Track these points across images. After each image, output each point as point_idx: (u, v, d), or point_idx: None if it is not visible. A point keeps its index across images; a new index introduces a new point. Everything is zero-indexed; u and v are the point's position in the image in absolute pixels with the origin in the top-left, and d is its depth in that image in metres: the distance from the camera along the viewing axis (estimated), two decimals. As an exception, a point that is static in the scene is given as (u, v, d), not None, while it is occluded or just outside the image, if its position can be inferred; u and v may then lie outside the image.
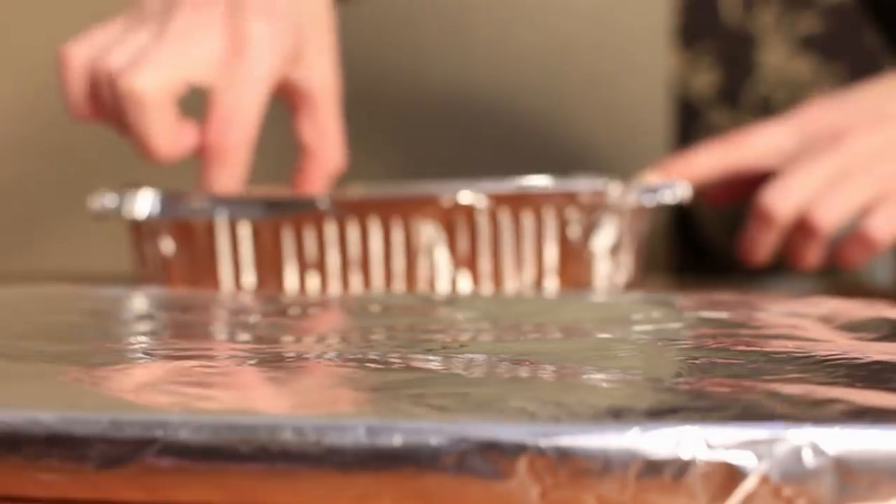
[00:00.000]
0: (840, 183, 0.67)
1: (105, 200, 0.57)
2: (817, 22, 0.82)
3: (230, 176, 0.59)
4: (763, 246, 0.69)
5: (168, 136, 0.58)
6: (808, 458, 0.24)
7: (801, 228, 0.68)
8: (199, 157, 0.60)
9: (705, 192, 0.73)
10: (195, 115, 0.60)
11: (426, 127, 0.95)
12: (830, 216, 0.67)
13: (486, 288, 0.55)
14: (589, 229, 0.56)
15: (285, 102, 0.64)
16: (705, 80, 0.83)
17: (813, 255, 0.69)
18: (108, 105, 0.59)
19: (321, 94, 0.62)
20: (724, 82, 0.83)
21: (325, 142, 0.63)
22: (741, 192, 0.72)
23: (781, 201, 0.67)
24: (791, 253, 0.69)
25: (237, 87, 0.58)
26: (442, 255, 0.54)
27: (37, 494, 0.26)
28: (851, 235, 0.69)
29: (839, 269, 0.81)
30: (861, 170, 0.67)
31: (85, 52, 0.60)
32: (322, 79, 0.63)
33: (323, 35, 0.63)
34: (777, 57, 0.82)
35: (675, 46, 0.84)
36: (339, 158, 0.64)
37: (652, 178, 0.68)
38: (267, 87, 0.59)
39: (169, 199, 0.56)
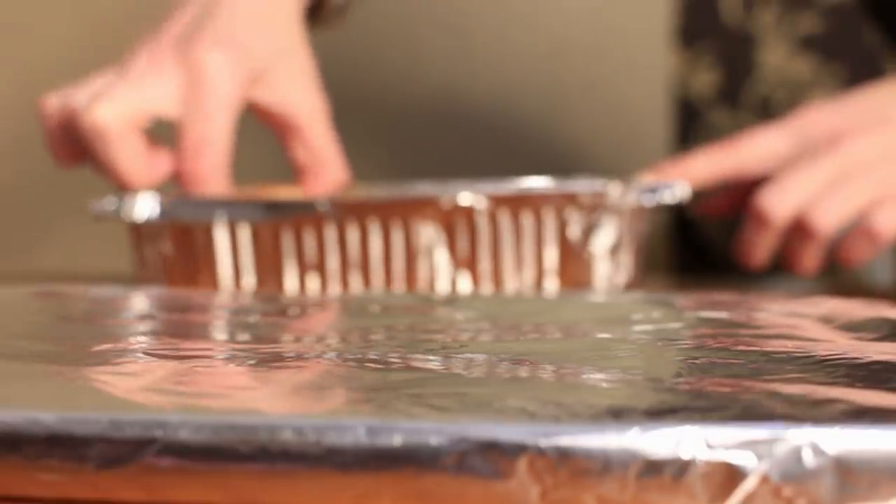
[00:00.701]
0: (839, 185, 0.67)
1: (105, 203, 0.57)
2: (817, 22, 0.82)
3: None
4: (760, 249, 0.68)
5: (137, 165, 0.59)
6: (808, 458, 0.24)
7: (799, 231, 0.67)
8: (164, 133, 0.61)
9: (703, 203, 0.73)
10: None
11: (427, 129, 0.95)
12: (828, 219, 0.67)
13: (486, 289, 0.55)
14: (589, 230, 0.56)
15: (272, 130, 0.64)
16: (705, 80, 0.83)
17: (810, 259, 0.68)
18: (82, 148, 0.60)
19: (305, 117, 0.63)
20: (724, 82, 0.83)
21: (321, 161, 0.63)
22: (739, 201, 0.72)
23: (778, 203, 0.67)
24: (788, 256, 0.69)
25: (201, 114, 0.59)
26: (442, 257, 0.54)
27: (37, 494, 0.26)
28: (856, 232, 0.68)
29: (840, 268, 0.81)
30: (860, 173, 0.67)
31: (58, 100, 0.62)
32: (302, 102, 0.63)
33: (296, 59, 0.63)
34: (777, 57, 0.82)
35: (675, 46, 0.84)
36: (340, 173, 0.64)
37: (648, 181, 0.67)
38: (231, 110, 0.60)
39: (168, 202, 0.56)
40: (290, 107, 0.63)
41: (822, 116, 0.69)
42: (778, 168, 0.69)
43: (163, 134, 0.61)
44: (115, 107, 0.58)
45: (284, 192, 0.62)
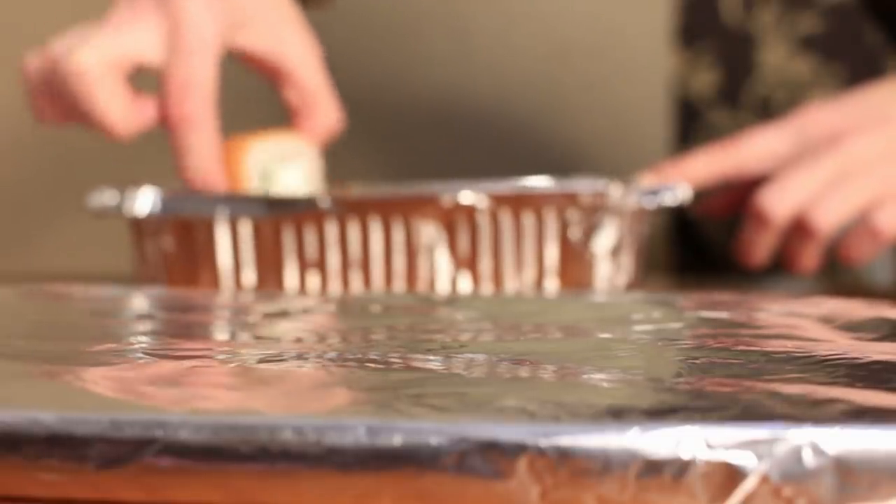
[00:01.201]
0: (839, 184, 0.67)
1: (105, 198, 0.57)
2: (817, 22, 0.82)
3: (200, 143, 0.60)
4: (760, 248, 0.68)
5: (121, 109, 0.59)
6: (808, 458, 0.24)
7: (799, 230, 0.67)
8: (163, 130, 0.61)
9: (703, 203, 0.73)
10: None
11: (427, 129, 0.95)
12: (829, 218, 0.67)
13: (487, 288, 0.55)
14: (590, 230, 0.56)
15: (262, 76, 0.65)
16: (705, 80, 0.83)
17: (810, 258, 0.68)
18: (65, 100, 0.60)
19: (295, 60, 0.64)
20: (724, 82, 0.83)
21: (314, 103, 0.64)
22: (739, 201, 0.72)
23: (779, 202, 0.67)
24: (788, 255, 0.69)
25: (184, 57, 0.60)
26: (442, 256, 0.54)
27: (37, 494, 0.26)
28: (857, 231, 0.68)
29: (840, 268, 0.81)
30: (861, 172, 0.67)
31: (37, 57, 0.62)
32: (291, 46, 0.64)
33: (282, 10, 0.64)
34: (777, 57, 0.82)
35: (675, 46, 0.84)
36: (334, 114, 0.65)
37: (648, 181, 0.67)
38: (214, 50, 0.60)
39: (169, 197, 0.56)
40: (278, 51, 0.64)
41: (822, 116, 0.69)
42: (778, 167, 0.69)
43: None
44: (97, 51, 0.58)
45: (269, 136, 0.62)
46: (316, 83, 0.64)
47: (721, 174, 0.69)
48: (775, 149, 0.69)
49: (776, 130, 0.69)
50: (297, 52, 0.64)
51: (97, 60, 0.58)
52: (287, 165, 0.63)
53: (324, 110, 0.64)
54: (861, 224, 0.68)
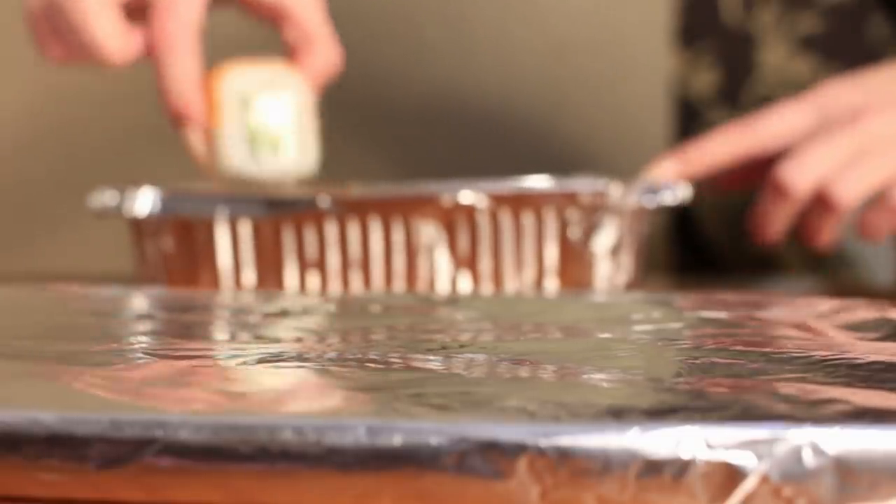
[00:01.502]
0: (859, 160, 0.67)
1: (105, 198, 0.57)
2: (817, 22, 0.82)
3: (179, 67, 0.61)
4: (777, 221, 0.68)
5: (116, 36, 0.61)
6: (808, 458, 0.24)
7: (820, 204, 0.67)
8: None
9: (719, 178, 0.72)
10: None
11: (426, 128, 0.95)
12: (850, 192, 0.66)
13: (487, 288, 0.55)
14: (590, 230, 0.56)
15: (262, 21, 0.66)
16: (705, 80, 0.83)
17: (829, 232, 0.68)
18: (66, 35, 0.62)
19: (292, 2, 0.64)
20: (724, 82, 0.83)
21: (312, 40, 0.64)
22: (757, 176, 0.71)
23: (799, 175, 0.66)
24: (806, 229, 0.69)
25: None
26: (442, 255, 0.54)
27: (37, 494, 0.26)
28: (876, 207, 0.68)
29: (840, 268, 0.81)
30: (879, 150, 0.67)
31: None
32: None
33: None
34: (777, 57, 0.82)
35: (675, 46, 0.84)
36: (333, 53, 0.65)
37: (667, 166, 0.67)
38: None
39: (169, 197, 0.56)
40: None
41: (842, 91, 0.69)
42: (796, 143, 0.68)
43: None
44: None
45: (250, 64, 0.62)
46: (315, 21, 0.65)
47: (743, 153, 0.69)
48: (795, 125, 0.68)
49: (796, 106, 0.69)
50: None
51: None
52: (268, 94, 0.62)
53: (323, 48, 0.64)
54: (879, 201, 0.68)
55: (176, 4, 0.61)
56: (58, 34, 0.63)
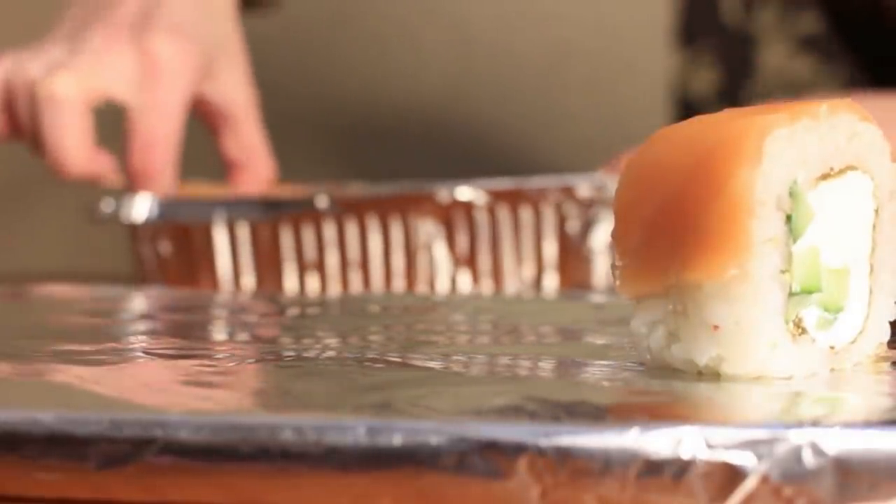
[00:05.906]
0: None
1: (103, 205, 0.57)
2: (817, 22, 0.82)
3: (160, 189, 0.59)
4: None
5: (83, 148, 0.58)
6: (808, 458, 0.24)
7: None
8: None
9: None
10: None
11: (426, 129, 0.95)
12: None
13: (486, 285, 0.55)
14: (587, 225, 0.56)
15: (205, 123, 0.64)
16: (705, 80, 0.83)
17: None
18: (23, 118, 0.59)
19: (241, 109, 0.63)
20: (724, 82, 0.83)
21: (253, 155, 0.64)
22: None
23: None
24: None
25: (155, 111, 0.59)
26: (441, 252, 0.54)
27: (37, 494, 0.26)
28: None
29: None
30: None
31: (5, 66, 0.60)
32: (238, 94, 0.63)
33: (233, 52, 0.64)
34: (777, 57, 0.82)
35: (675, 46, 0.84)
36: (270, 168, 0.64)
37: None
38: (183, 108, 0.60)
39: (166, 203, 0.56)
40: (230, 100, 0.63)
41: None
42: None
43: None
44: (76, 80, 0.58)
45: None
46: (256, 135, 0.64)
47: None
48: None
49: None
50: (243, 99, 0.63)
51: (77, 90, 0.57)
52: None
53: (262, 163, 0.64)
54: None
55: (157, 133, 0.59)
56: (14, 113, 0.60)
